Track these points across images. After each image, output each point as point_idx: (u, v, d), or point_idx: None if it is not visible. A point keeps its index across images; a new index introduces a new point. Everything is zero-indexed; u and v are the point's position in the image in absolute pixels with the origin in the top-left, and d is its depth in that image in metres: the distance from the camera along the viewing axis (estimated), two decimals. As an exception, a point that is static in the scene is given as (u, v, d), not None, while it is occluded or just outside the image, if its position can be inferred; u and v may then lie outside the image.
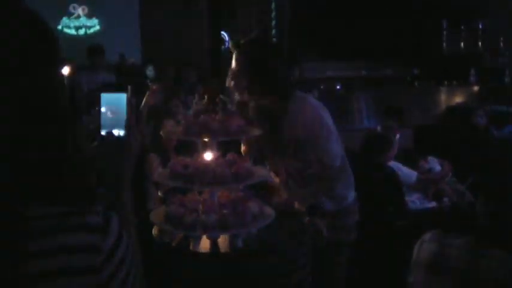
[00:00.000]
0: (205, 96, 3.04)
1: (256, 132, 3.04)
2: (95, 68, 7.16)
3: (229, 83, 3.13)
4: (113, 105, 1.41)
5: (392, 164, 4.92)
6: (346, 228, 3.28)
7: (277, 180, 3.35)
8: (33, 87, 1.07)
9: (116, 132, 1.39)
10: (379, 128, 6.48)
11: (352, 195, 3.31)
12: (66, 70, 5.72)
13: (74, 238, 1.06)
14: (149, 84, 7.96)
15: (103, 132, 1.40)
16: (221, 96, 3.12)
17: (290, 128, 3.06)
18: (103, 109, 1.41)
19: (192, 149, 3.62)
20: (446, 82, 11.65)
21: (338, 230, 3.20)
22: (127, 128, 1.39)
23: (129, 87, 1.44)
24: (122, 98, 1.41)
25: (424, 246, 1.69)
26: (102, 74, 7.14)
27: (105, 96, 1.41)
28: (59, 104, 1.13)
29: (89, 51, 7.30)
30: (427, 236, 1.72)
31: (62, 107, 1.14)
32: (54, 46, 1.15)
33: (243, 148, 3.27)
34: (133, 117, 1.41)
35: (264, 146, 3.23)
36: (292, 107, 3.06)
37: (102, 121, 1.41)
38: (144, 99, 4.14)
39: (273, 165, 3.30)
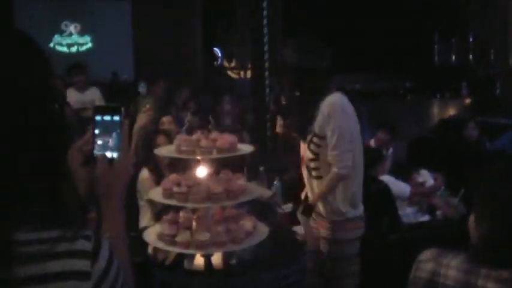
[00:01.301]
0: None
1: (248, 149, 3.07)
2: (79, 87, 6.98)
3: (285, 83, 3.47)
4: (106, 127, 1.40)
5: (386, 177, 4.93)
6: (342, 242, 3.33)
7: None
8: (30, 95, 1.11)
9: (109, 154, 1.39)
10: (372, 141, 6.50)
11: (352, 212, 3.32)
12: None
13: (64, 264, 1.06)
14: (140, 100, 7.97)
15: (96, 154, 1.39)
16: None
17: (314, 121, 3.27)
18: (96, 131, 1.40)
19: (186, 165, 3.63)
20: (438, 94, 11.72)
21: (333, 244, 3.32)
22: (120, 150, 1.38)
23: (122, 109, 1.42)
24: (115, 120, 1.40)
25: (421, 266, 1.68)
26: (89, 94, 7.00)
27: (98, 119, 1.40)
28: (55, 110, 1.17)
29: (67, 70, 7.11)
30: (423, 255, 1.70)
31: (59, 115, 1.19)
32: (46, 64, 1.19)
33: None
34: (127, 140, 1.42)
35: (296, 135, 3.58)
36: (321, 104, 3.23)
37: (95, 143, 1.40)
38: (137, 120, 4.15)
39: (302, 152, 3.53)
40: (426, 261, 1.67)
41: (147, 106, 4.23)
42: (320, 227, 3.38)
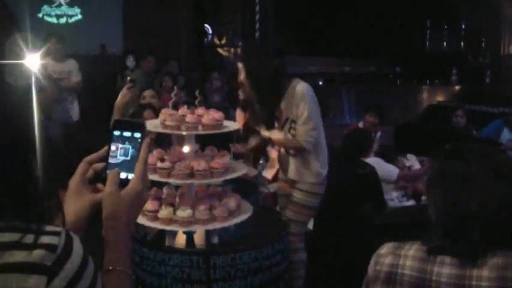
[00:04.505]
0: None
1: (234, 126, 3.03)
2: (56, 57, 6.82)
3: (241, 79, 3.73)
4: (124, 144, 1.27)
5: (374, 160, 4.90)
6: (315, 195, 3.83)
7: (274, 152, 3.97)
8: None
9: (123, 174, 1.24)
10: (360, 124, 6.48)
11: (325, 171, 3.87)
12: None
13: (26, 256, 0.92)
14: (128, 74, 7.86)
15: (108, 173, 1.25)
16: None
17: (283, 110, 3.70)
18: (113, 147, 1.26)
19: (172, 141, 3.58)
20: (428, 81, 11.72)
21: (310, 195, 3.81)
22: (139, 172, 1.23)
23: (145, 126, 1.29)
24: (135, 137, 1.27)
25: (381, 261, 1.67)
26: (67, 65, 6.85)
27: (117, 134, 1.27)
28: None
29: (45, 38, 6.93)
30: (382, 250, 1.70)
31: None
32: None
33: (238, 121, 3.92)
34: (146, 161, 1.25)
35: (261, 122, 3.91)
36: (286, 95, 3.68)
37: (109, 161, 1.26)
38: (119, 97, 4.04)
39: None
40: (385, 255, 1.67)
41: (129, 83, 4.08)
42: (308, 183, 3.81)
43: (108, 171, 1.24)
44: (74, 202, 1.22)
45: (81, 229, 1.20)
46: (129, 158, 1.26)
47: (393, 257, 1.65)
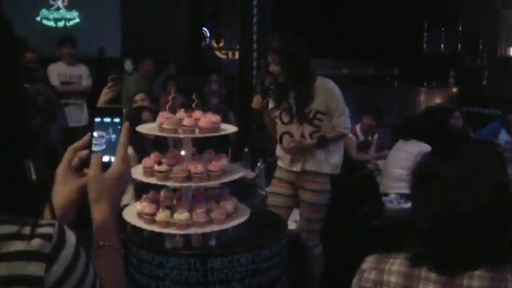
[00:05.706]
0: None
1: (231, 129, 3.04)
2: (68, 60, 6.90)
3: (273, 69, 3.91)
4: (105, 129, 1.34)
5: (424, 145, 5.14)
6: (325, 192, 4.04)
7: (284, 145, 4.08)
8: None
9: (106, 158, 1.31)
10: (357, 126, 6.49)
11: (339, 169, 4.07)
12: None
13: (12, 268, 0.95)
14: (126, 78, 7.89)
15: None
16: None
17: (313, 102, 3.91)
18: (95, 134, 1.33)
19: (171, 144, 3.58)
20: (425, 83, 11.73)
21: (320, 193, 4.01)
22: (120, 154, 1.30)
23: (123, 111, 1.37)
24: (115, 122, 1.34)
25: (365, 276, 1.61)
26: (77, 69, 6.95)
27: (97, 120, 1.34)
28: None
29: (57, 42, 7.05)
30: (365, 264, 1.64)
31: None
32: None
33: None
34: (126, 144, 1.32)
35: (283, 115, 4.06)
36: (316, 87, 3.91)
37: (93, 147, 1.33)
38: (101, 96, 4.03)
39: (284, 129, 4.10)
40: (369, 270, 1.61)
41: (110, 82, 4.06)
42: (316, 182, 4.01)
43: (92, 156, 1.31)
44: (62, 188, 1.29)
45: (71, 212, 1.28)
46: (110, 142, 1.33)
47: (377, 273, 1.59)
